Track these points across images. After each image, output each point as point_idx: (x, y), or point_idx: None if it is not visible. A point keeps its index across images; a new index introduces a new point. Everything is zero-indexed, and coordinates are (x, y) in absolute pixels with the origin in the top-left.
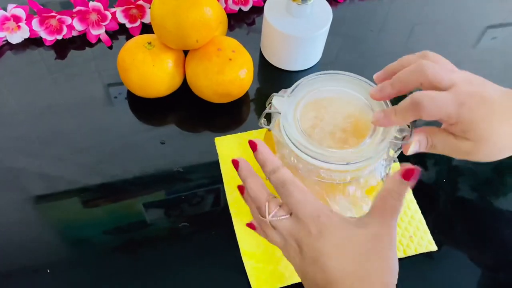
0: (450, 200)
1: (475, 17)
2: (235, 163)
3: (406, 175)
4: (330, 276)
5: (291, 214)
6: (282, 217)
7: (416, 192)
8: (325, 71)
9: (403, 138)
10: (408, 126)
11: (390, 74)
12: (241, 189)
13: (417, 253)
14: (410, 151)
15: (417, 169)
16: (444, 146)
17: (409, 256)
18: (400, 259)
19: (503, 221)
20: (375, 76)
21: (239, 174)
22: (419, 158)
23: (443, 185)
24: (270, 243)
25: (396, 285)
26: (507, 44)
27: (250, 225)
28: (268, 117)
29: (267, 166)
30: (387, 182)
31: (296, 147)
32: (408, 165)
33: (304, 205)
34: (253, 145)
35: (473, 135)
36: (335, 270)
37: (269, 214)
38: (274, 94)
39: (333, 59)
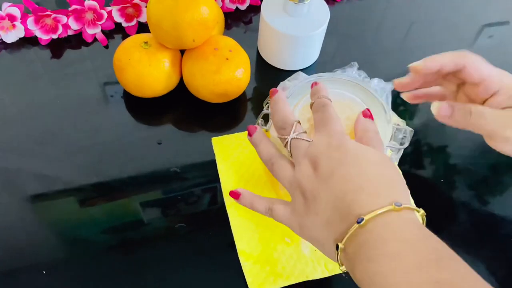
0: (447, 199)
1: (472, 16)
2: (274, 91)
3: (366, 115)
4: (352, 183)
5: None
6: (304, 138)
7: (414, 192)
8: (323, 73)
9: (402, 139)
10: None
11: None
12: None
13: None
14: (434, 106)
15: (368, 109)
16: (488, 118)
17: None
18: None
19: (501, 221)
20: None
21: (251, 139)
22: (416, 157)
23: (441, 184)
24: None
25: None
26: (503, 43)
27: (233, 193)
28: (266, 118)
29: (317, 94)
30: (356, 126)
31: None
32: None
33: (335, 123)
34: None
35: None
36: (358, 176)
37: (293, 133)
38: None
39: (330, 58)
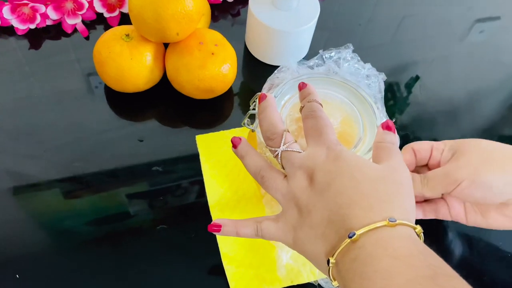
0: None
1: (463, 11)
2: (263, 96)
3: (387, 127)
4: (346, 197)
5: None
6: (296, 150)
7: None
8: (312, 73)
9: None
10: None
11: None
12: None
13: None
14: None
15: (389, 120)
16: (437, 173)
17: None
18: None
19: None
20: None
21: (236, 151)
22: None
23: None
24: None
25: None
26: (494, 38)
27: (212, 227)
28: (252, 117)
29: (308, 96)
30: (376, 136)
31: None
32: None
33: (330, 131)
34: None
35: (461, 148)
36: (353, 190)
37: (284, 144)
38: (259, 93)
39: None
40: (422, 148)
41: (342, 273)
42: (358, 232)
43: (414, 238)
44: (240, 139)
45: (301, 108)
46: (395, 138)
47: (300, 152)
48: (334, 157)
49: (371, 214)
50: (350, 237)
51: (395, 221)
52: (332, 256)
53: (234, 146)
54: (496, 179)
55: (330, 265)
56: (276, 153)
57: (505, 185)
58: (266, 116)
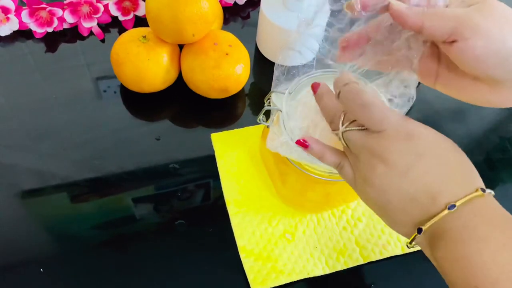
0: None
1: None
2: (316, 85)
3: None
4: (436, 176)
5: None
6: (356, 128)
7: None
8: (327, 70)
9: None
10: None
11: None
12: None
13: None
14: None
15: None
16: (448, 14)
17: (404, 254)
18: (399, 256)
19: None
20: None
21: (315, 96)
22: None
23: None
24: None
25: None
26: None
27: (300, 143)
28: (267, 114)
29: (337, 82)
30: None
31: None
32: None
33: (389, 113)
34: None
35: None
36: (440, 168)
37: (342, 125)
38: (274, 90)
39: (329, 53)
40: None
41: (431, 243)
42: (457, 204)
43: (500, 206)
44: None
45: (338, 94)
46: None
47: (361, 129)
48: (405, 133)
49: (465, 186)
50: (449, 209)
51: (485, 190)
52: (424, 225)
53: (314, 91)
54: None
55: (422, 234)
56: (338, 136)
57: None
58: (325, 103)
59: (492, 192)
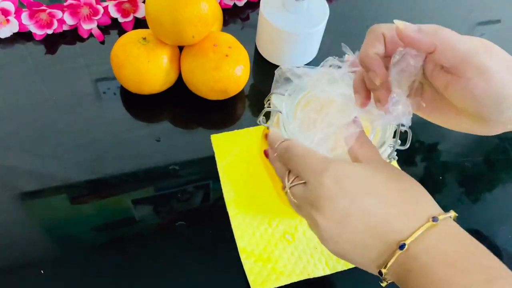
0: (444, 196)
1: (464, 14)
2: (266, 153)
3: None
4: (375, 217)
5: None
6: (296, 183)
7: None
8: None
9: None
10: (407, 131)
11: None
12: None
13: None
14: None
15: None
16: (456, 46)
17: None
18: None
19: (497, 217)
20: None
21: (270, 161)
22: (412, 155)
23: (438, 182)
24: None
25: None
26: (494, 41)
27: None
28: (267, 115)
29: (274, 142)
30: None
31: None
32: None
33: (309, 159)
34: (266, 137)
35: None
36: (378, 206)
37: (288, 182)
38: (274, 92)
39: (329, 55)
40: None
41: (400, 281)
42: (407, 242)
43: (459, 232)
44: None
45: (275, 156)
46: (359, 125)
47: (300, 182)
48: (331, 180)
49: (412, 219)
50: (401, 249)
51: (438, 219)
52: (384, 268)
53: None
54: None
55: (384, 275)
56: (287, 195)
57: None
58: (276, 166)
59: (451, 215)
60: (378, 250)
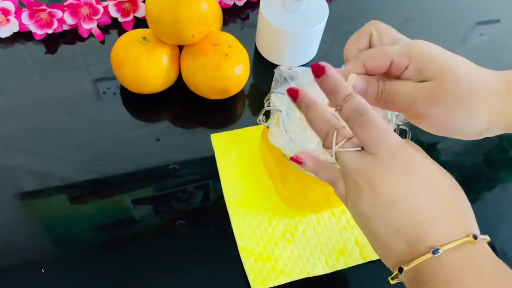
0: None
1: (464, 14)
2: (294, 92)
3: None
4: (425, 215)
5: (362, 149)
6: (352, 149)
7: None
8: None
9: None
10: (406, 130)
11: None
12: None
13: None
14: (349, 80)
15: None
16: (400, 93)
17: None
18: None
19: (497, 216)
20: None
21: (298, 106)
22: None
23: None
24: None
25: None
26: (494, 41)
27: (294, 159)
28: (267, 114)
29: (341, 89)
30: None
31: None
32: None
33: (389, 137)
34: (319, 69)
35: (430, 70)
36: (433, 207)
37: (336, 145)
38: (273, 91)
39: (328, 54)
40: (378, 64)
41: (413, 283)
42: (443, 249)
43: (493, 255)
44: (301, 89)
45: (338, 109)
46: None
47: (357, 150)
48: (400, 165)
49: (455, 230)
50: (433, 253)
51: (477, 238)
52: (406, 266)
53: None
54: (465, 122)
55: (403, 273)
56: (331, 154)
57: (472, 127)
58: (314, 116)
59: (487, 238)
60: (408, 245)
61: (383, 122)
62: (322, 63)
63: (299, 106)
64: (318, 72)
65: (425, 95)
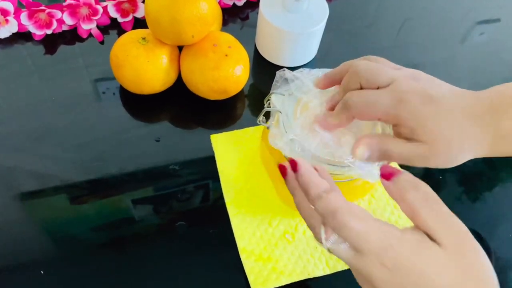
0: (445, 196)
1: (464, 13)
2: (283, 169)
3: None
4: None
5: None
6: (342, 245)
7: None
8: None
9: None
10: None
11: (331, 80)
12: (282, 170)
13: None
14: (360, 154)
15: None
16: (399, 151)
17: None
18: None
19: (497, 216)
20: (315, 83)
21: (287, 184)
22: None
23: (439, 181)
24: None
25: None
26: (494, 40)
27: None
28: (267, 115)
29: (310, 190)
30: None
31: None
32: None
33: (367, 237)
34: (293, 165)
35: (423, 135)
36: None
37: (326, 240)
38: (273, 91)
39: (328, 54)
40: (366, 118)
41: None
42: None
43: None
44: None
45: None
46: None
47: (346, 245)
48: (391, 268)
49: None
50: None
51: None
52: None
53: (283, 175)
54: (455, 163)
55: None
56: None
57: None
58: (300, 206)
59: None
60: None
61: (360, 220)
62: (297, 159)
63: (287, 185)
64: (292, 167)
65: (421, 155)
